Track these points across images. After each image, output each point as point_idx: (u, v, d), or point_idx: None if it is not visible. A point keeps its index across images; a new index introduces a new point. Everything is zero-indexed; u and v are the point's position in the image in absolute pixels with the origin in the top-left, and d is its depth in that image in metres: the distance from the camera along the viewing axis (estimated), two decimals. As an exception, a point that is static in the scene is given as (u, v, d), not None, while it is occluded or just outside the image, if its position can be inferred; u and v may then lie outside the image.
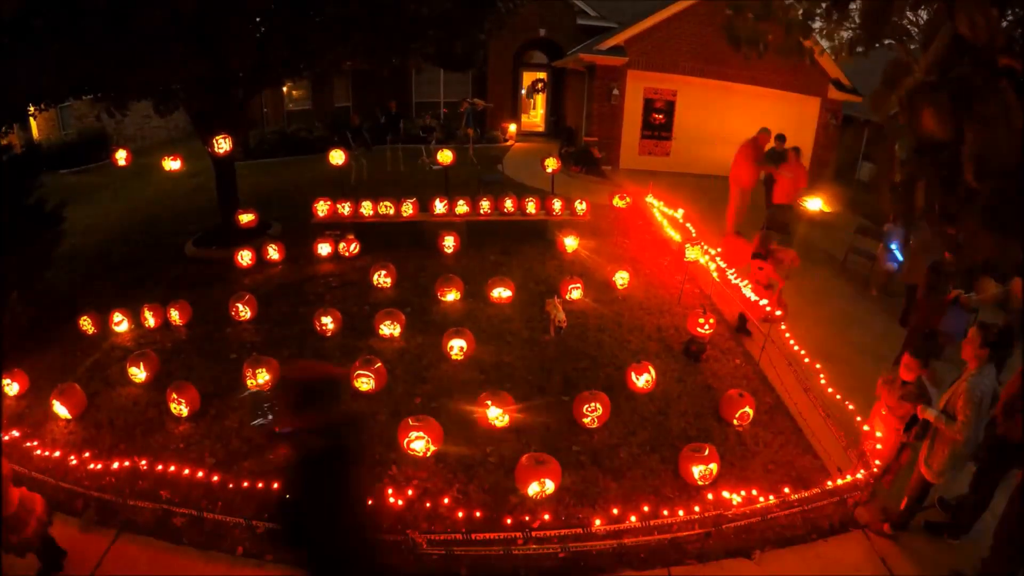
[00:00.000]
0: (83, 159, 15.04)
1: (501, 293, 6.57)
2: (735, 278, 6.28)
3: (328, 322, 5.96)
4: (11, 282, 6.20)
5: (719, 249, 7.05)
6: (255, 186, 11.34)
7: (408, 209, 8.35)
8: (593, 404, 4.71)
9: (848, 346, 6.41)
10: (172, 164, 8.11)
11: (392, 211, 8.34)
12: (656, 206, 9.36)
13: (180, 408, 4.85)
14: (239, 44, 6.92)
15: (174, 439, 4.72)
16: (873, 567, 3.87)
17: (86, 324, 6.16)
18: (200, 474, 4.20)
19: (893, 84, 1.84)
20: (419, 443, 4.35)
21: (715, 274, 6.84)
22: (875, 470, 4.19)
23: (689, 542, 3.94)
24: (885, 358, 5.95)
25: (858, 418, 4.58)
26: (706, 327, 5.79)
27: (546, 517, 3.91)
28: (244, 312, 6.30)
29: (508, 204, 8.52)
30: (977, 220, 1.88)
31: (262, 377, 5.09)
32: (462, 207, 8.40)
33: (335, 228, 8.19)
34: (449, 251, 7.95)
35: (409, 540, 3.72)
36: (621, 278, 7.00)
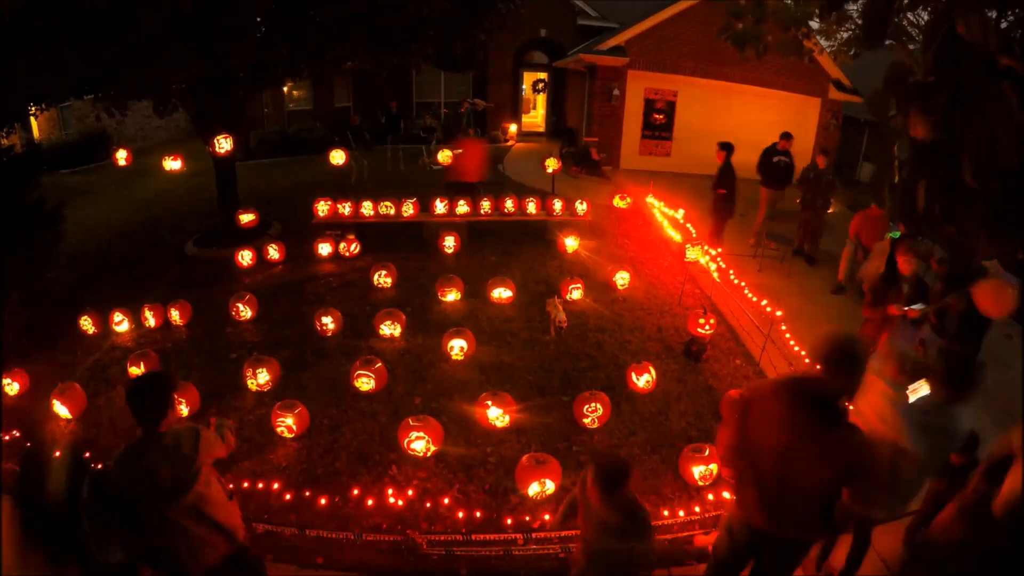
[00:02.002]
0: (83, 159, 15.05)
1: (501, 293, 6.57)
2: (736, 279, 6.29)
3: (328, 322, 5.96)
4: (11, 282, 6.20)
5: (720, 250, 7.05)
6: (255, 186, 11.35)
7: (409, 209, 8.35)
8: (593, 404, 4.71)
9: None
10: (173, 164, 8.11)
11: (393, 211, 8.34)
12: (657, 206, 9.36)
13: (180, 408, 4.84)
14: (239, 44, 6.92)
15: (174, 439, 4.71)
16: (873, 567, 3.86)
17: (86, 324, 6.17)
18: (200, 474, 4.20)
19: (894, 85, 1.85)
20: (419, 443, 4.35)
21: (715, 275, 6.84)
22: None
23: (690, 542, 3.94)
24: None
25: (858, 418, 4.58)
26: (706, 327, 5.79)
27: (546, 517, 3.91)
28: (244, 312, 6.30)
29: (508, 204, 8.52)
30: (977, 221, 1.88)
31: (262, 377, 5.10)
32: (462, 207, 8.40)
33: (335, 228, 8.19)
34: (449, 251, 7.95)
35: (409, 540, 3.73)
36: (621, 278, 7.00)
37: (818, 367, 2.42)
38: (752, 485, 2.63)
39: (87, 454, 4.47)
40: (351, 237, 7.94)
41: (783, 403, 2.48)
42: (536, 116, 20.15)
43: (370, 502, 3.96)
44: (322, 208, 8.31)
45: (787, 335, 5.57)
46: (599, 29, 16.65)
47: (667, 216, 8.88)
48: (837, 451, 2.40)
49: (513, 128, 17.60)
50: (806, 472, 2.44)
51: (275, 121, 17.10)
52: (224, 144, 7.52)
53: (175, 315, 6.25)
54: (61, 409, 4.92)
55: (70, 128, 16.48)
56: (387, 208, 8.33)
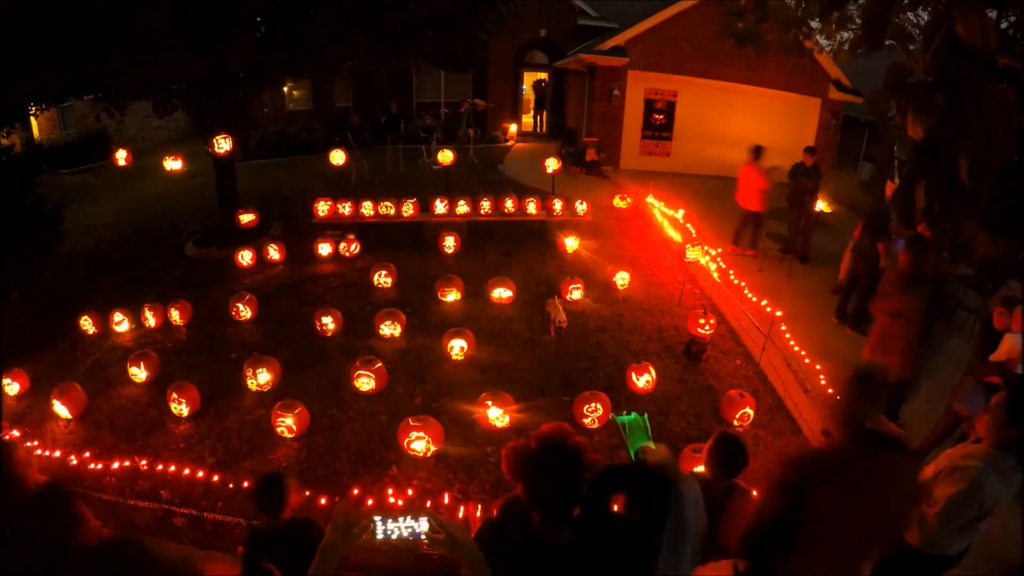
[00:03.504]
0: (83, 159, 15.03)
1: (501, 293, 6.57)
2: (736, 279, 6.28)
3: (328, 322, 5.96)
4: (11, 282, 6.21)
5: (719, 250, 7.05)
6: (255, 186, 11.34)
7: (409, 209, 8.35)
8: (593, 404, 4.71)
9: (848, 346, 6.41)
10: (173, 164, 8.12)
11: (393, 211, 8.34)
12: (657, 206, 9.37)
13: (180, 408, 4.85)
14: (239, 44, 6.93)
15: (174, 439, 4.72)
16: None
17: (86, 324, 6.17)
18: (200, 474, 4.20)
19: (894, 85, 1.85)
20: (419, 443, 4.35)
21: (715, 275, 6.84)
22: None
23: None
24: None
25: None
26: (706, 327, 5.79)
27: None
28: (244, 312, 6.30)
29: (509, 204, 8.52)
30: (977, 220, 1.88)
31: (262, 377, 5.10)
32: (463, 207, 8.40)
33: (336, 228, 8.20)
34: (450, 251, 7.95)
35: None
36: (621, 278, 7.00)
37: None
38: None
39: (87, 453, 4.48)
40: (351, 237, 7.94)
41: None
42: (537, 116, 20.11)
43: (370, 502, 3.96)
44: (322, 208, 8.31)
45: (787, 335, 5.57)
46: (599, 29, 16.64)
47: (667, 216, 8.88)
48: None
49: (513, 128, 17.60)
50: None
51: (275, 121, 17.10)
52: (224, 144, 7.52)
53: (175, 315, 6.25)
54: (61, 409, 4.92)
55: (70, 128, 16.46)
56: (387, 208, 8.33)
